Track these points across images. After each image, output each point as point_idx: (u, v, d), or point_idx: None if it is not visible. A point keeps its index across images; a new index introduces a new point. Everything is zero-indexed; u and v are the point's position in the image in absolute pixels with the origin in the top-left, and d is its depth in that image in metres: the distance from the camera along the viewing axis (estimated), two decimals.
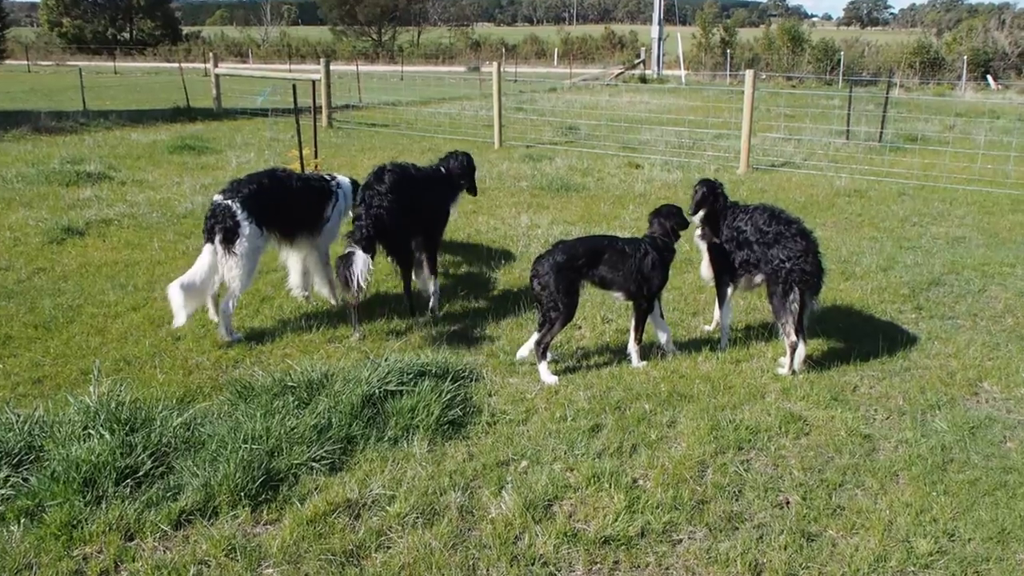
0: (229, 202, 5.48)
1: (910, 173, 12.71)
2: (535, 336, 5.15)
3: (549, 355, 5.14)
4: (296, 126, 10.39)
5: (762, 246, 5.24)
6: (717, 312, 5.79)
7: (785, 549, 3.42)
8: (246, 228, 5.47)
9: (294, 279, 6.44)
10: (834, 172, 12.86)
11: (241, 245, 5.46)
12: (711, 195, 5.58)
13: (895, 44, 46.28)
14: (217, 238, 5.45)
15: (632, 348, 5.33)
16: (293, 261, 6.34)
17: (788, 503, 3.79)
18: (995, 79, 37.79)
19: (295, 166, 9.31)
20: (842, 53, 41.10)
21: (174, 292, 5.28)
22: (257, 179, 5.74)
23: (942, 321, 6.21)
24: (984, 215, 9.99)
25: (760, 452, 4.25)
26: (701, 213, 5.60)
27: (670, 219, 5.37)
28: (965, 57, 38.49)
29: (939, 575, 3.31)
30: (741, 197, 10.67)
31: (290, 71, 34.38)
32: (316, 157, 10.56)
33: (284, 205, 5.82)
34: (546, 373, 5.05)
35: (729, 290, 5.61)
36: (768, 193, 10.99)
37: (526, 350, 5.29)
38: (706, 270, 5.79)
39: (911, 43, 43.17)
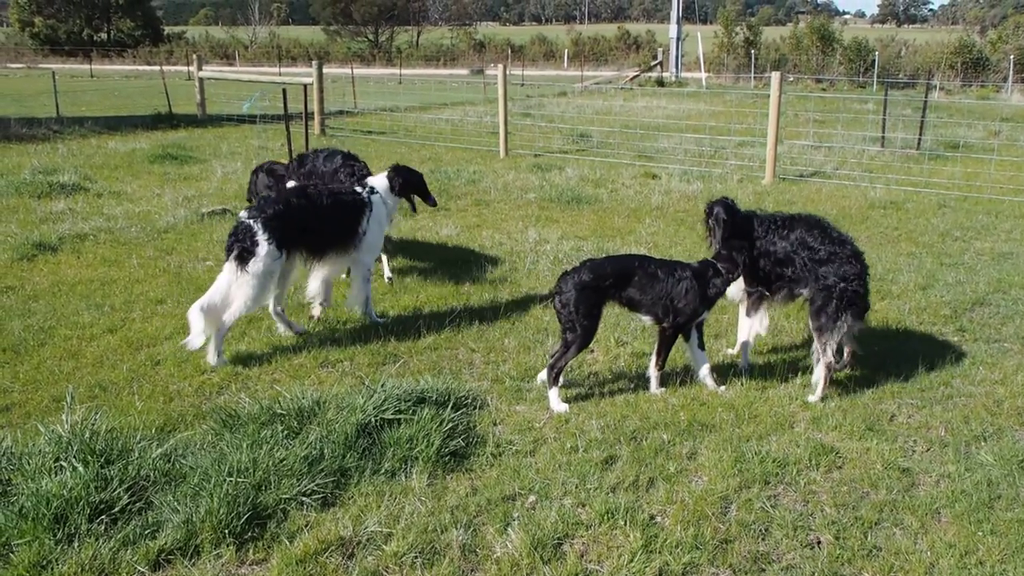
0: (251, 221, 5.73)
1: (951, 183, 12.73)
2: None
3: (561, 380, 5.16)
4: (286, 134, 10.48)
5: (813, 263, 5.37)
6: (742, 332, 5.80)
7: None
8: (263, 248, 5.69)
9: (314, 287, 6.54)
10: (868, 182, 12.89)
11: (255, 265, 5.67)
12: (732, 214, 5.61)
13: (934, 43, 46.45)
14: (233, 255, 5.70)
15: (652, 372, 5.35)
16: (318, 271, 6.48)
17: (819, 543, 3.78)
18: None
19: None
20: (876, 53, 41.27)
21: (194, 315, 5.52)
22: (285, 199, 6.04)
23: (987, 344, 6.21)
24: None
25: (788, 487, 4.24)
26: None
27: (741, 253, 5.36)
28: (1012, 57, 38.57)
29: None
30: (767, 209, 10.75)
31: (280, 74, 34.72)
32: None
33: (312, 225, 6.05)
34: (556, 400, 5.06)
35: (762, 303, 5.65)
36: (796, 205, 11.01)
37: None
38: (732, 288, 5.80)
39: (952, 42, 43.29)
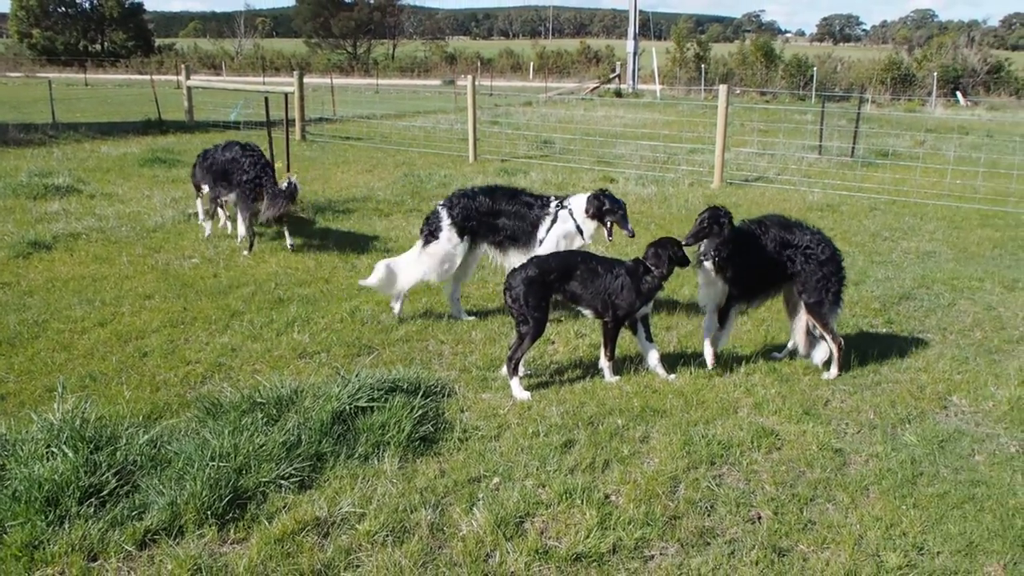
0: (440, 209, 6.31)
1: (881, 188, 12.91)
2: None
3: (522, 370, 5.14)
4: (268, 139, 10.35)
5: (813, 263, 5.41)
6: (709, 334, 5.62)
7: (756, 564, 3.43)
8: (445, 233, 6.23)
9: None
10: (807, 187, 13.02)
11: (435, 247, 6.24)
12: (714, 223, 5.27)
13: (867, 60, 47.07)
14: (422, 235, 6.34)
15: (604, 364, 5.35)
16: (505, 262, 6.58)
17: (760, 518, 3.81)
18: (964, 95, 38.55)
19: None
20: (815, 69, 41.74)
21: (380, 266, 6.17)
22: (474, 194, 6.37)
23: (912, 335, 6.30)
24: (953, 230, 10.17)
25: (732, 467, 4.27)
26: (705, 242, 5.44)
27: (666, 249, 5.26)
28: (935, 73, 39.24)
29: None
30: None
31: (264, 84, 34.27)
32: (288, 171, 10.52)
33: (494, 222, 6.35)
34: (518, 389, 5.05)
35: (733, 312, 5.59)
36: (742, 207, 11.09)
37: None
38: (705, 294, 5.59)
39: (882, 59, 43.96)
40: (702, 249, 5.39)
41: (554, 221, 6.35)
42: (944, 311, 6.87)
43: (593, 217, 6.26)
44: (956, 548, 3.58)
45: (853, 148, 16.18)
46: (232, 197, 8.57)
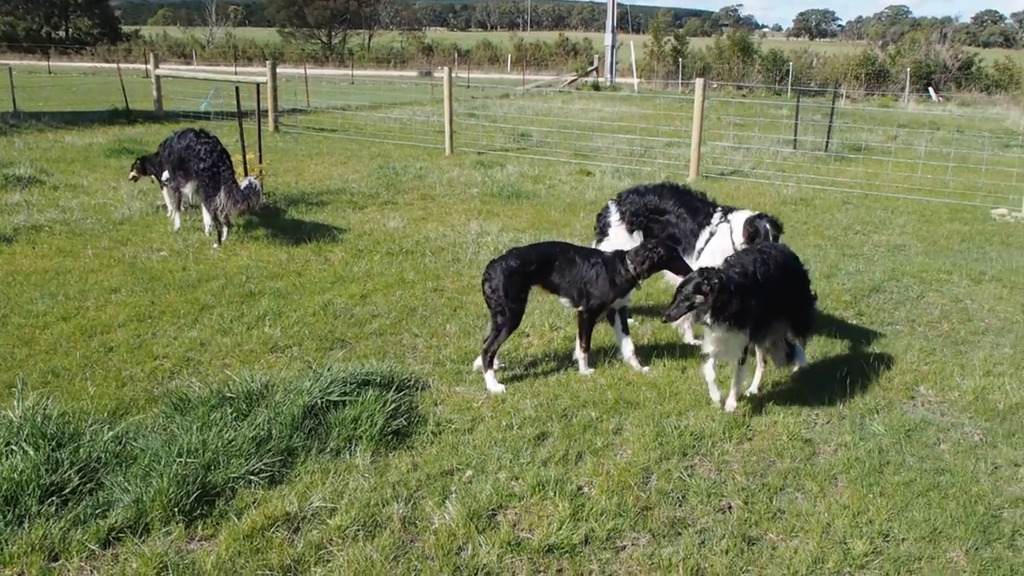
0: (610, 204, 6.50)
1: (854, 182, 13.06)
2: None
3: (497, 363, 5.16)
4: (239, 130, 10.26)
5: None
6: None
7: (726, 553, 3.48)
8: (615, 227, 6.37)
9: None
10: (781, 181, 13.15)
11: (608, 241, 6.33)
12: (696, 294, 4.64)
13: (842, 56, 47.54)
14: (596, 232, 6.57)
15: (579, 355, 5.39)
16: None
17: (730, 508, 3.86)
18: (936, 91, 39.06)
19: (239, 171, 9.20)
20: (791, 64, 42.09)
21: None
22: (645, 190, 6.46)
23: (882, 327, 6.40)
24: (923, 223, 10.32)
25: (704, 458, 4.32)
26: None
27: (650, 253, 5.22)
28: (908, 69, 39.73)
29: (874, 575, 3.40)
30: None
31: (236, 73, 33.94)
32: (260, 162, 10.44)
33: (658, 219, 6.33)
34: (492, 382, 5.07)
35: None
36: (720, 200, 11.14)
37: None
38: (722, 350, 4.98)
39: (857, 55, 44.39)
40: (705, 319, 4.65)
41: (712, 234, 6.06)
42: (913, 303, 6.98)
43: (749, 240, 5.78)
44: (921, 535, 3.65)
45: (827, 142, 16.36)
46: (190, 187, 8.50)
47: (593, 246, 6.18)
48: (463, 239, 8.77)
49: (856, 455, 4.35)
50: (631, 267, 5.22)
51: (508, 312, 5.07)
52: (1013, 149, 16.22)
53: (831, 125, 16.61)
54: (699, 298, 4.44)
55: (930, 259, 8.45)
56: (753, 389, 5.21)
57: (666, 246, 5.34)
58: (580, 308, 5.29)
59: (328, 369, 4.84)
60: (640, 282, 5.35)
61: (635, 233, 6.33)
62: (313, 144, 16.31)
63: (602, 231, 6.47)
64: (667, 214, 6.30)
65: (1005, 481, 4.18)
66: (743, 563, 3.45)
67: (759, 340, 5.00)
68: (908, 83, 38.22)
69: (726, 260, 5.01)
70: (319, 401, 4.46)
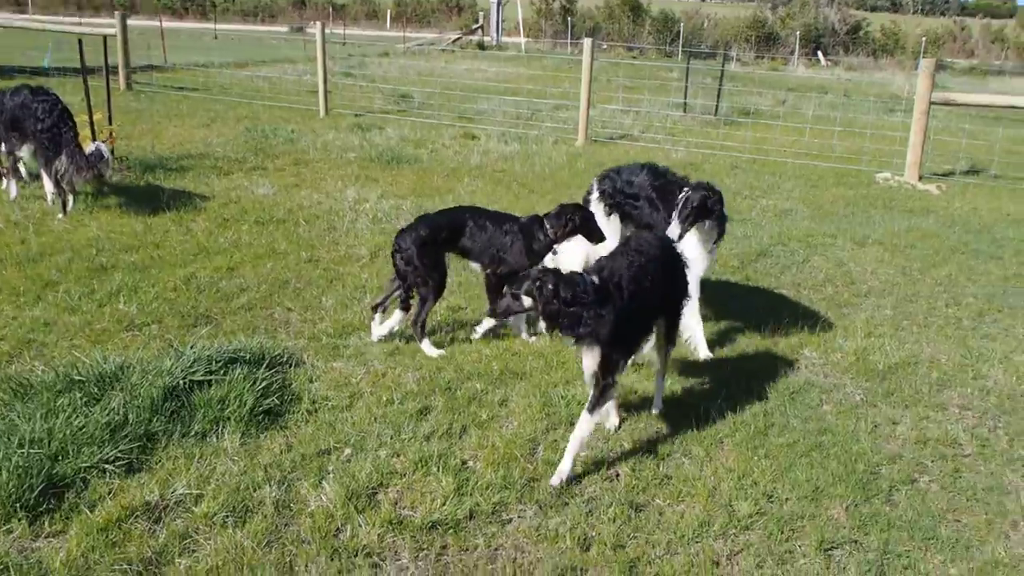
0: (594, 181, 6.16)
1: (743, 146, 13.59)
2: (397, 315, 5.28)
3: (388, 327, 5.29)
4: (84, 87, 9.71)
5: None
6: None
7: (614, 521, 3.61)
8: (594, 207, 5.95)
9: None
10: (671, 145, 13.53)
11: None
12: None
13: (733, 17, 49.06)
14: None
15: (487, 322, 5.50)
16: None
17: (618, 476, 4.00)
18: (825, 55, 40.93)
19: (86, 133, 8.74)
20: (682, 25, 43.14)
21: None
22: (622, 170, 6.11)
23: (768, 291, 6.72)
24: (810, 188, 10.86)
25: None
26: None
27: (569, 214, 5.24)
28: (798, 33, 41.42)
29: (758, 535, 3.61)
30: (580, 169, 11.11)
31: (80, 24, 31.99)
32: (110, 124, 9.93)
33: (633, 204, 6.00)
34: (430, 348, 5.18)
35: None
36: (606, 166, 11.36)
37: (385, 329, 5.33)
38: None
39: (747, 17, 45.90)
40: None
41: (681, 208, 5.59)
42: (799, 267, 7.36)
43: (693, 218, 5.38)
44: (803, 494, 3.89)
45: (717, 106, 16.92)
46: (27, 150, 8.03)
47: None
48: (339, 207, 8.64)
49: (742, 418, 4.58)
50: (550, 232, 5.29)
51: (431, 280, 5.14)
52: (897, 114, 17.21)
53: (721, 89, 17.18)
54: (527, 301, 3.93)
55: (816, 223, 8.91)
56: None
57: (584, 209, 5.41)
58: (489, 271, 5.36)
59: (191, 347, 4.72)
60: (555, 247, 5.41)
61: (612, 217, 6.02)
62: (172, 104, 15.63)
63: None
64: (640, 200, 5.92)
65: (884, 439, 4.50)
66: (631, 530, 3.58)
67: (622, 358, 4.11)
68: (797, 47, 39.88)
69: (599, 260, 4.52)
70: (181, 382, 4.34)
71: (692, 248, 5.38)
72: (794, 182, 11.18)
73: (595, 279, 3.94)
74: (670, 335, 4.61)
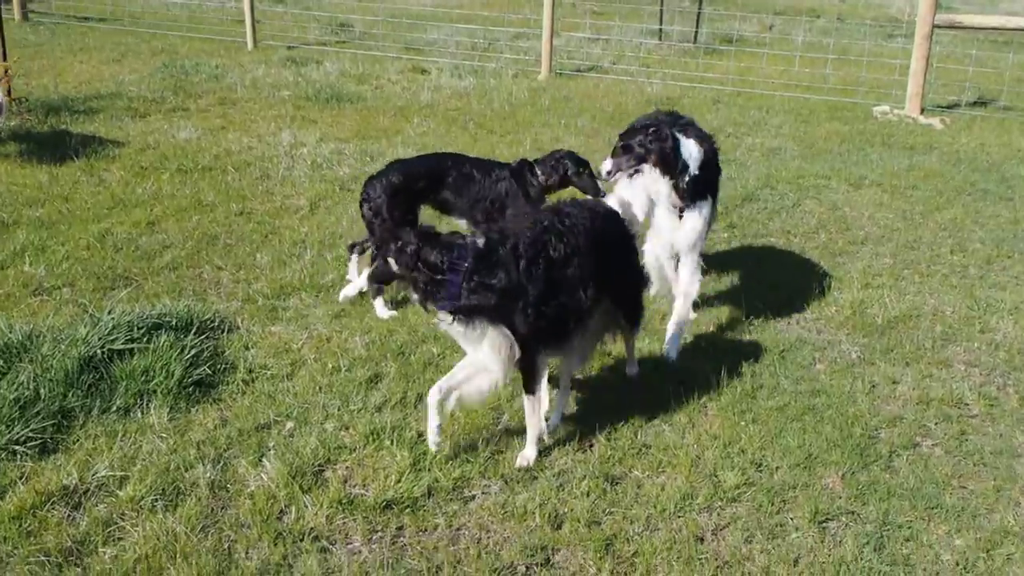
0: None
1: (726, 78, 13.59)
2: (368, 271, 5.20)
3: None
4: None
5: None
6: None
7: (587, 496, 3.68)
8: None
9: None
10: (646, 77, 13.51)
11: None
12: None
13: None
14: None
15: (357, 282, 5.49)
16: None
17: (591, 446, 4.06)
18: None
19: None
20: None
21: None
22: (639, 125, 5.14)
23: (755, 239, 6.80)
24: (801, 124, 10.93)
25: (562, 393, 4.49)
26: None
27: (567, 165, 5.23)
28: None
29: (746, 508, 3.69)
30: (543, 106, 11.08)
31: None
32: (4, 59, 9.67)
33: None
34: (381, 308, 5.21)
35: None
36: (573, 102, 11.38)
37: (353, 289, 5.33)
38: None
39: None
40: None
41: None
42: (788, 212, 7.44)
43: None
44: (795, 461, 3.99)
45: (696, 33, 16.86)
46: None
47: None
48: (273, 152, 8.55)
49: (727, 381, 4.65)
50: (541, 177, 5.27)
51: None
52: (897, 39, 17.27)
53: (700, 13, 17.11)
54: (396, 269, 3.74)
55: (807, 163, 8.99)
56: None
57: (577, 157, 5.36)
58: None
59: (109, 313, 4.70)
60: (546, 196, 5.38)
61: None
62: (76, 37, 15.23)
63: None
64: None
65: (883, 400, 4.61)
66: (606, 505, 3.65)
67: (531, 343, 3.80)
68: None
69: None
70: (99, 351, 4.35)
71: (659, 215, 5.12)
72: (783, 117, 11.24)
73: (480, 242, 3.71)
74: (627, 320, 4.43)
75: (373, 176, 5.26)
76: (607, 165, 4.91)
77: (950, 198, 7.96)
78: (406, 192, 5.15)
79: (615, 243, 4.25)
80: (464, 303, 3.60)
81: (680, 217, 5.01)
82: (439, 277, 3.59)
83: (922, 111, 11.50)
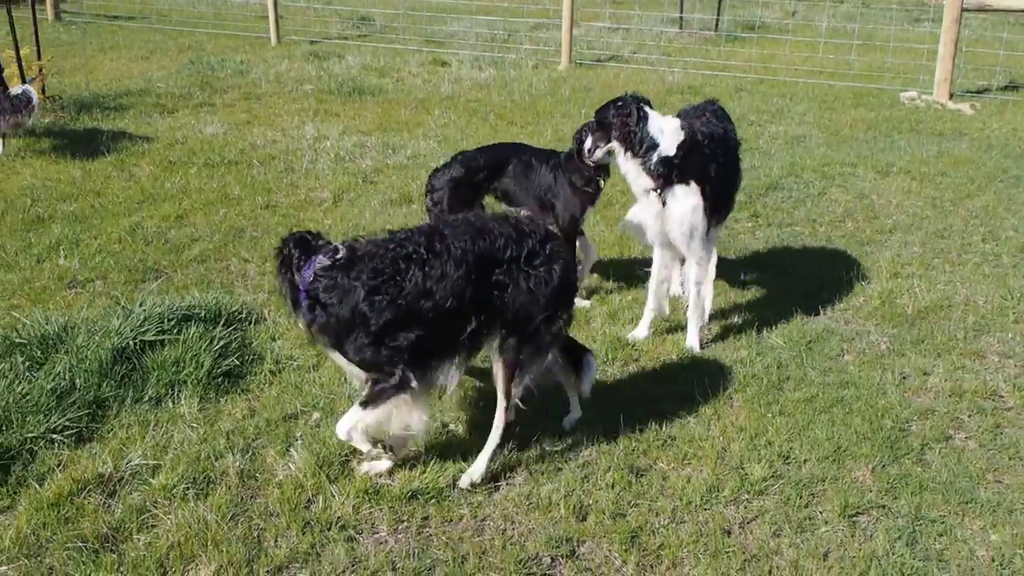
0: None
1: (748, 66, 13.50)
2: None
3: None
4: (9, 19, 9.56)
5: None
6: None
7: (612, 488, 3.68)
8: None
9: None
10: (666, 66, 13.43)
11: None
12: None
13: None
14: None
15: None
16: None
17: (616, 437, 4.06)
18: None
19: (13, 70, 8.66)
20: None
21: None
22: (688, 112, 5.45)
23: (780, 229, 6.76)
24: (825, 111, 10.84)
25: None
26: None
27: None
28: None
29: (773, 501, 3.67)
30: (564, 97, 11.05)
31: None
32: (39, 59, 9.81)
33: None
34: None
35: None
36: (594, 92, 11.33)
37: None
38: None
39: None
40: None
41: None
42: (814, 201, 7.38)
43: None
44: (823, 455, 3.95)
45: (717, 20, 16.73)
46: None
47: None
48: (297, 145, 8.60)
49: (753, 372, 4.63)
50: (588, 150, 5.00)
51: None
52: (924, 23, 17.07)
53: (721, 0, 16.98)
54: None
55: (833, 151, 8.91)
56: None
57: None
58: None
59: (140, 304, 4.76)
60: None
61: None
62: (106, 35, 15.41)
63: None
64: None
65: (913, 392, 4.54)
66: (631, 497, 3.65)
67: (381, 377, 3.52)
68: None
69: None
70: (131, 342, 4.40)
71: (639, 201, 4.95)
72: (807, 104, 11.15)
73: (341, 251, 3.43)
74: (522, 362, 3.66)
75: (438, 169, 5.31)
76: (588, 143, 4.95)
77: (981, 185, 7.84)
78: (468, 184, 5.18)
79: (514, 262, 3.56)
80: (308, 318, 3.48)
81: (663, 204, 4.77)
82: (286, 287, 3.55)
83: (951, 96, 11.35)
